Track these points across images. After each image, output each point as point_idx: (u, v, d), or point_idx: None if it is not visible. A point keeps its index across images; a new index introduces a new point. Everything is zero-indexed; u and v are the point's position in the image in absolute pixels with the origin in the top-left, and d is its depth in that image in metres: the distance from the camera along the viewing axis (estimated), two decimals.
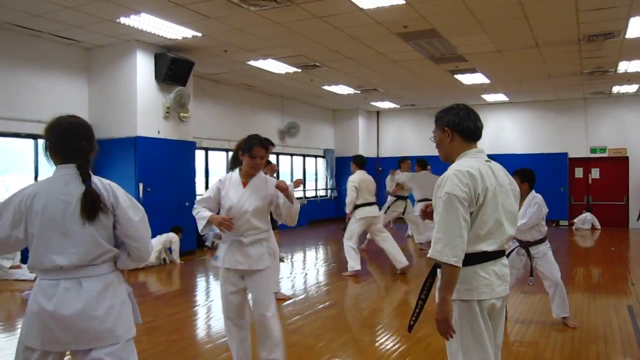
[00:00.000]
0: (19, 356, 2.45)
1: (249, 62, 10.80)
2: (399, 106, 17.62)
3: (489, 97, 15.68)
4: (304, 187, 16.86)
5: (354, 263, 8.30)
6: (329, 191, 17.87)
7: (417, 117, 18.17)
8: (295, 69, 11.47)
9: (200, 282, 8.30)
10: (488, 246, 2.57)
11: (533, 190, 5.42)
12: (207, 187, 12.50)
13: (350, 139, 18.13)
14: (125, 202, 2.54)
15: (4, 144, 8.93)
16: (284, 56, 10.39)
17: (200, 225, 3.73)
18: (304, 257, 10.81)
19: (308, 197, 17.00)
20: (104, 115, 9.46)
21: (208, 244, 11.10)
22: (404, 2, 7.34)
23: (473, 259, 2.54)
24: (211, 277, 8.51)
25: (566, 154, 16.15)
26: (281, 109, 15.43)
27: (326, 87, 13.80)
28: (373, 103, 16.86)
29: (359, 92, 14.47)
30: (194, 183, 10.57)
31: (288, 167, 16.21)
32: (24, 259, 8.24)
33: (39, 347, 2.41)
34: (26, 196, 2.45)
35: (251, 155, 3.72)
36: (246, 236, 3.74)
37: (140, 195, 9.17)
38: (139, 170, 9.21)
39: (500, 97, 15.66)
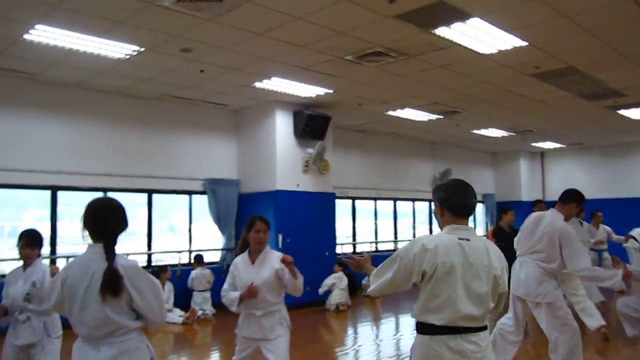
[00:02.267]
0: None
1: (388, 112, 10.94)
2: (564, 145, 16.37)
3: None
4: None
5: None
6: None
7: (586, 156, 16.72)
8: (436, 116, 11.34)
9: None
10: (436, 320, 2.69)
11: None
12: (354, 235, 12.78)
13: (511, 183, 17.20)
14: (138, 283, 2.75)
15: (162, 200, 10.04)
16: (419, 105, 10.37)
17: (234, 305, 4.08)
18: None
19: None
20: (249, 170, 10.29)
21: None
22: (527, 43, 6.96)
23: (424, 328, 2.75)
24: None
25: None
26: (432, 155, 15.24)
27: (476, 131, 13.38)
28: (534, 144, 15.89)
29: (513, 134, 13.78)
30: (334, 232, 10.84)
31: None
32: (177, 303, 9.13)
33: None
34: (65, 269, 2.83)
35: (255, 230, 4.11)
36: (259, 309, 4.05)
37: (280, 245, 9.66)
38: (278, 221, 9.73)
39: None
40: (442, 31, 6.48)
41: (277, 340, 4.05)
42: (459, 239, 2.76)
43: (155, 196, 9.82)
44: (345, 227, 12.74)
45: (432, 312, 2.70)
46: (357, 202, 13.02)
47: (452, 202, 2.86)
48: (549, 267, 4.94)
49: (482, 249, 2.78)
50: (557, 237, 4.92)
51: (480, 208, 17.33)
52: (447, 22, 6.23)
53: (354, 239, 12.92)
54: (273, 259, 4.13)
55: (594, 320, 6.98)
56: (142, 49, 6.98)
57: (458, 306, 2.67)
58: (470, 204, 2.88)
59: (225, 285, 4.22)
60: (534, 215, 5.32)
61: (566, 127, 13.08)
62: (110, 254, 2.72)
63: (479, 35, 6.66)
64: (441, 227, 2.91)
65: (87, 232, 2.81)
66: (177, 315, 8.86)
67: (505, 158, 17.46)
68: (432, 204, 3.04)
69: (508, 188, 17.21)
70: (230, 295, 4.12)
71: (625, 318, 6.58)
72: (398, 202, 14.08)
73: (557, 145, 16.28)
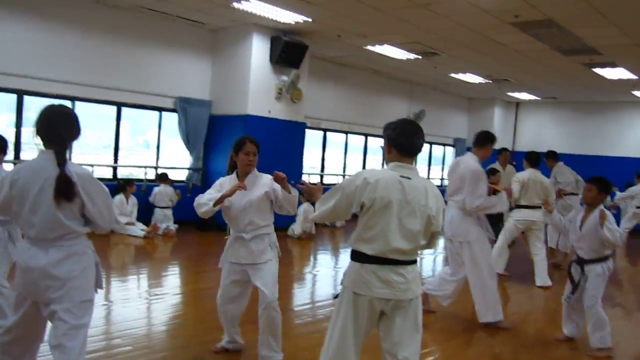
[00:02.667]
0: (16, 297, 2.93)
1: (367, 47, 10.85)
2: (539, 98, 16.52)
3: None
4: (428, 176, 16.61)
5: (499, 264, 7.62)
6: None
7: (559, 111, 16.97)
8: (415, 56, 11.30)
9: None
10: (368, 249, 2.84)
11: (602, 204, 4.85)
12: (323, 166, 12.93)
13: (484, 129, 17.35)
14: (91, 190, 2.83)
15: (133, 114, 9.98)
16: (399, 42, 10.30)
17: (209, 205, 3.85)
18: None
19: None
20: (221, 93, 10.24)
21: None
22: None
23: (357, 256, 2.90)
24: None
25: None
26: (409, 95, 15.26)
27: (453, 75, 13.39)
28: (510, 93, 15.99)
29: (490, 81, 13.84)
30: (301, 161, 10.97)
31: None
32: (139, 217, 9.27)
33: (22, 293, 2.88)
34: (15, 172, 2.87)
35: (245, 152, 3.93)
36: (247, 232, 3.90)
37: None
38: None
39: None
40: None
41: (266, 265, 3.91)
42: (401, 176, 2.86)
43: (132, 112, 9.77)
44: (314, 158, 12.88)
45: (365, 242, 2.84)
46: (328, 134, 13.10)
47: (400, 141, 2.93)
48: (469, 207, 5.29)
49: (422, 188, 2.88)
50: (467, 177, 5.29)
51: (450, 152, 17.58)
52: None
53: (322, 170, 13.09)
54: (262, 181, 3.98)
55: (539, 279, 7.54)
56: None
57: (389, 239, 2.80)
58: (416, 144, 2.95)
59: (204, 195, 4.01)
60: (455, 160, 5.71)
61: (541, 79, 13.18)
62: (61, 160, 2.77)
63: None
64: (387, 163, 3.01)
65: (39, 139, 2.86)
66: (139, 229, 9.02)
67: (480, 105, 17.58)
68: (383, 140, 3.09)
69: None
70: (205, 196, 3.96)
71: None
72: (370, 138, 14.19)
73: (532, 97, 16.42)
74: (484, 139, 5.59)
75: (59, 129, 2.83)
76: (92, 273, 2.93)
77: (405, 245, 2.83)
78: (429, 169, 16.88)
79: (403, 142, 2.93)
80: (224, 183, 4.03)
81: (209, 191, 4.02)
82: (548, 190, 7.52)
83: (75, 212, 2.81)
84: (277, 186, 3.88)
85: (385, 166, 3.05)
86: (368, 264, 2.84)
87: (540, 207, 7.14)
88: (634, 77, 11.81)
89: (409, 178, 2.87)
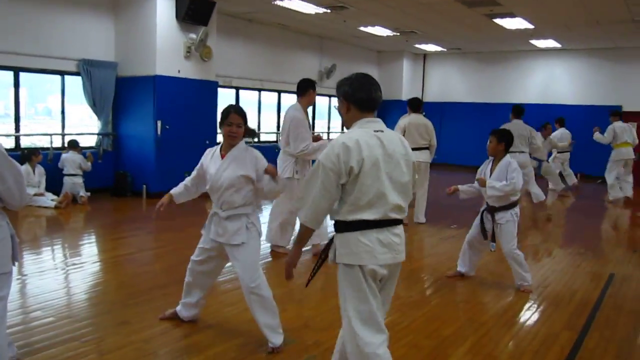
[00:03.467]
0: None
1: (275, 2, 10.72)
2: (445, 50, 17.05)
3: (539, 43, 14.87)
4: (342, 130, 16.87)
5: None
6: None
7: (465, 61, 17.61)
8: (324, 10, 11.28)
9: None
10: (369, 215, 2.65)
11: (508, 154, 5.20)
12: None
13: (394, 82, 17.78)
14: (1, 167, 2.74)
15: (31, 79, 9.41)
16: None
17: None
18: None
19: None
20: (127, 54, 9.85)
21: None
22: None
23: (354, 225, 2.66)
24: None
25: (620, 106, 15.16)
26: (320, 49, 15.29)
27: (362, 29, 13.52)
28: (418, 45, 16.38)
29: (398, 34, 14.10)
30: (215, 121, 10.78)
31: (326, 108, 16.22)
32: (48, 187, 8.90)
33: None
34: None
35: (228, 123, 3.67)
36: (223, 210, 3.73)
37: (159, 132, 9.55)
38: (158, 108, 9.56)
39: (551, 43, 14.80)
40: None
41: (242, 248, 3.71)
42: (375, 131, 2.71)
43: (30, 77, 9.20)
44: None
45: (364, 209, 2.65)
46: (241, 92, 12.95)
47: (358, 97, 2.74)
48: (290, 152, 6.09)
49: (397, 139, 2.78)
50: (288, 126, 6.08)
51: None
52: None
53: None
54: (247, 158, 3.73)
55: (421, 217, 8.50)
56: None
57: (388, 198, 2.66)
58: (376, 97, 2.77)
59: (190, 176, 3.94)
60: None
61: (446, 31, 13.58)
62: None
63: None
64: (347, 124, 2.82)
65: None
66: (49, 200, 8.66)
67: (389, 57, 17.90)
68: (337, 100, 2.90)
69: (391, 87, 17.77)
70: (179, 185, 3.96)
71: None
72: (283, 95, 14.18)
73: (439, 49, 16.90)
74: (304, 86, 6.19)
75: None
76: (8, 245, 2.89)
77: (402, 200, 2.74)
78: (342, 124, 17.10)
79: (362, 96, 2.75)
80: (208, 155, 3.86)
81: (196, 168, 3.91)
82: (431, 131, 8.25)
83: None
84: (263, 167, 3.74)
85: (347, 128, 2.84)
86: (369, 230, 2.66)
87: (426, 149, 8.16)
88: (531, 26, 12.40)
89: (382, 131, 2.73)
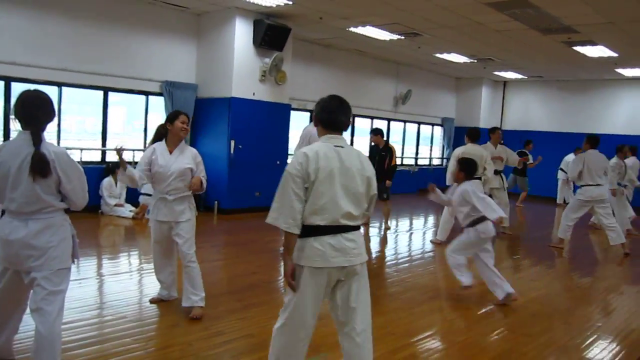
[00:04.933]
0: None
1: (349, 29, 11.03)
2: (526, 77, 16.71)
3: (626, 72, 14.27)
4: (417, 155, 16.87)
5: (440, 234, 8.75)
6: (444, 160, 17.63)
7: (545, 89, 17.14)
8: (398, 36, 11.47)
9: None
10: (321, 220, 2.95)
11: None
12: None
13: (472, 109, 17.62)
14: (66, 168, 3.09)
15: (120, 99, 10.19)
16: (380, 24, 10.48)
17: (127, 177, 4.54)
18: (410, 225, 11.16)
19: (420, 165, 16.97)
20: (207, 76, 10.45)
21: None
22: None
23: (309, 231, 2.97)
24: None
25: None
26: (396, 75, 15.44)
27: (438, 55, 13.57)
28: (497, 73, 16.17)
29: (475, 61, 14.02)
30: (287, 142, 11.20)
31: (400, 134, 16.28)
32: (128, 199, 9.54)
33: (5, 264, 3.19)
34: None
35: (181, 121, 4.54)
36: (171, 194, 4.56)
37: (232, 151, 10.03)
38: (232, 128, 10.04)
39: (639, 72, 14.17)
40: None
41: (186, 223, 4.61)
42: (335, 146, 3.03)
43: (124, 97, 10.05)
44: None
45: (317, 213, 2.94)
46: None
47: (323, 117, 3.09)
48: None
49: (355, 155, 3.09)
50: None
51: (439, 131, 17.80)
52: None
53: None
54: (189, 152, 4.62)
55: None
56: None
57: (339, 205, 2.95)
58: (338, 120, 3.08)
59: (140, 169, 4.58)
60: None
61: (524, 58, 13.36)
62: (37, 139, 3.03)
63: None
64: (318, 136, 3.17)
65: (17, 121, 3.12)
66: (128, 210, 9.29)
67: (468, 84, 17.76)
68: None
69: (468, 114, 17.65)
70: (134, 172, 4.55)
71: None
72: (357, 119, 14.41)
73: (519, 76, 16.60)
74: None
75: (34, 111, 3.09)
76: (69, 244, 3.21)
77: (354, 208, 3.00)
78: (417, 148, 17.10)
79: (324, 117, 3.08)
80: (156, 150, 4.57)
81: (142, 158, 4.65)
82: (485, 162, 8.35)
83: (52, 187, 3.07)
84: (200, 161, 4.64)
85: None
86: (321, 235, 2.95)
87: (478, 178, 7.94)
88: (614, 54, 11.99)
89: (342, 147, 3.05)
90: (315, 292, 2.98)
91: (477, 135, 8.65)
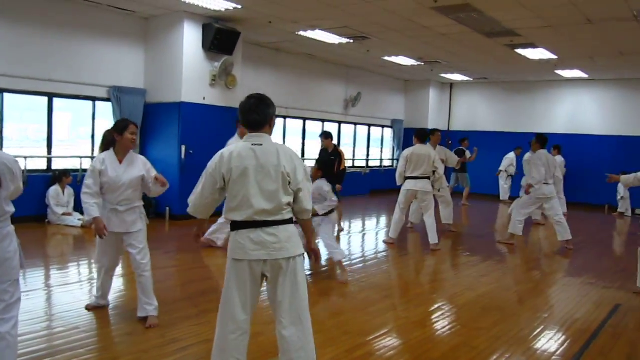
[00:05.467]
0: None
1: (299, 33, 11.09)
2: (471, 79, 17.17)
3: (565, 73, 14.86)
4: (368, 156, 17.09)
5: (392, 233, 8.87)
6: (395, 162, 17.91)
7: (491, 91, 17.67)
8: (347, 40, 11.60)
9: None
10: (238, 216, 3.15)
11: None
12: None
13: (420, 111, 17.98)
14: (16, 170, 3.09)
15: (65, 105, 9.92)
16: (329, 27, 10.58)
17: (87, 215, 4.48)
18: (363, 226, 11.27)
19: (371, 167, 17.18)
20: (156, 81, 10.30)
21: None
22: None
23: (232, 225, 3.20)
24: None
25: None
26: (346, 78, 15.61)
27: (387, 58, 13.79)
28: (444, 75, 16.55)
29: (422, 63, 14.31)
30: None
31: (351, 136, 16.45)
32: (76, 207, 9.30)
33: None
34: None
35: (130, 132, 4.47)
36: (122, 205, 4.51)
37: (182, 156, 9.92)
38: (182, 133, 9.94)
39: (578, 73, 14.78)
40: None
41: (139, 233, 4.59)
42: (252, 144, 3.16)
43: (70, 103, 9.80)
44: None
45: (234, 210, 3.15)
46: None
47: (242, 118, 3.26)
48: None
49: (273, 152, 3.17)
50: None
51: (389, 133, 18.07)
52: None
53: None
54: (139, 161, 4.57)
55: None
56: None
57: (252, 203, 3.10)
58: (251, 119, 3.20)
59: (89, 182, 4.43)
60: None
61: (470, 60, 13.73)
62: None
63: None
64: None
65: None
66: (77, 219, 9.06)
67: (416, 86, 18.11)
68: None
69: (417, 115, 18.00)
70: (90, 209, 4.39)
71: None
72: (308, 122, 14.48)
73: (465, 78, 17.03)
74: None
75: None
76: (18, 253, 3.15)
77: (268, 205, 3.12)
78: (367, 150, 17.30)
79: (241, 118, 3.27)
80: (105, 161, 4.46)
81: (90, 176, 4.47)
82: (434, 161, 8.50)
83: (6, 195, 3.03)
84: (151, 172, 4.55)
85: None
86: (242, 229, 3.13)
87: (426, 178, 8.44)
88: (554, 56, 12.46)
89: (260, 144, 3.16)
90: (239, 284, 3.13)
91: (425, 135, 8.84)
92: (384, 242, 8.94)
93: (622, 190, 14.17)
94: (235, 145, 3.20)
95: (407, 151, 8.63)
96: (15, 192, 3.11)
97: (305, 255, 3.50)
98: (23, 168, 8.88)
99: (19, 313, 3.18)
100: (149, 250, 4.69)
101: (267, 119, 3.24)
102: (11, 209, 3.10)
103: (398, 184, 8.84)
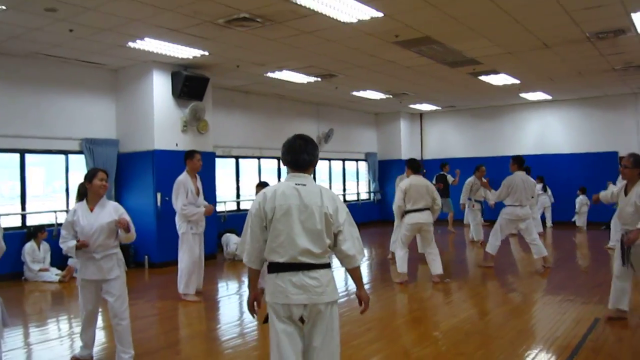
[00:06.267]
0: None
1: (267, 74, 11.30)
2: (440, 108, 17.55)
3: (529, 96, 15.30)
4: (344, 191, 17.20)
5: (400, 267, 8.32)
6: (372, 194, 18.07)
7: (459, 118, 18.06)
8: (315, 78, 11.84)
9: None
10: (279, 257, 3.05)
11: None
12: (238, 193, 13.19)
13: (393, 142, 18.25)
14: None
15: (38, 159, 9.91)
16: (296, 67, 10.81)
17: (72, 252, 4.63)
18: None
19: (349, 201, 17.29)
20: (128, 130, 10.37)
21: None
22: (382, 14, 7.54)
23: (272, 267, 3.10)
24: None
25: (616, 152, 15.38)
26: (317, 115, 15.84)
27: (355, 93, 14.07)
28: (413, 106, 16.89)
29: (390, 96, 14.62)
30: (214, 191, 11.18)
31: (326, 172, 16.60)
32: (53, 262, 9.20)
33: None
34: None
35: (100, 178, 4.62)
36: (98, 252, 4.58)
37: (159, 204, 9.92)
38: (157, 181, 9.96)
39: (541, 95, 15.24)
40: (302, 0, 6.89)
41: (116, 281, 4.63)
42: (296, 184, 3.13)
43: (41, 158, 9.81)
44: (230, 186, 13.13)
45: (275, 251, 3.05)
46: (240, 160, 13.39)
47: (286, 158, 3.21)
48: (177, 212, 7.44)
49: (316, 192, 3.13)
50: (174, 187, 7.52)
51: (363, 166, 18.26)
52: None
53: (238, 197, 13.35)
54: (110, 207, 4.69)
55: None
56: (4, 7, 6.87)
57: (296, 242, 3.02)
58: (301, 159, 3.18)
59: (64, 232, 4.65)
60: None
61: (436, 90, 14.07)
62: None
63: (337, 5, 7.14)
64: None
65: None
66: (54, 274, 8.95)
67: (387, 119, 18.43)
68: None
69: (390, 147, 18.26)
70: (68, 243, 4.59)
71: None
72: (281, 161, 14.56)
73: (433, 108, 17.40)
74: (185, 156, 7.70)
75: None
76: (1, 312, 3.14)
77: (313, 246, 3.04)
78: (344, 185, 17.44)
79: (288, 159, 3.21)
80: (77, 212, 4.59)
81: (65, 227, 4.64)
82: (432, 192, 8.26)
83: None
84: (123, 214, 4.68)
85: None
86: (282, 272, 3.04)
87: (427, 209, 8.18)
88: (516, 81, 12.86)
89: (304, 185, 3.13)
90: (283, 327, 3.03)
91: (419, 166, 8.52)
92: (396, 282, 8.29)
93: (577, 206, 14.83)
94: (279, 184, 3.18)
95: (404, 184, 8.29)
96: None
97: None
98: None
99: None
100: (127, 298, 4.70)
101: (315, 159, 3.25)
102: None
103: (397, 217, 8.73)
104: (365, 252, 12.05)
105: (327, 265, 3.12)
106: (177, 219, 7.46)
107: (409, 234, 8.34)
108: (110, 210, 4.65)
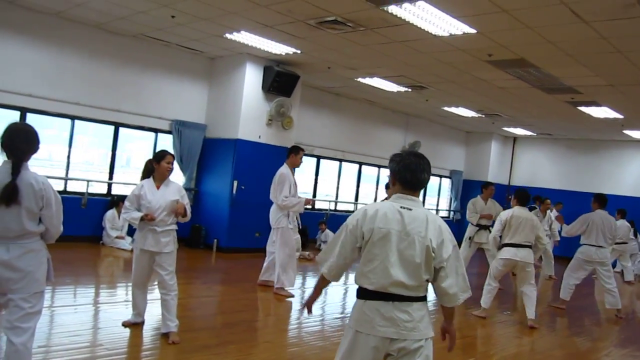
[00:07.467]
0: None
1: (357, 79, 11.35)
2: (535, 134, 16.86)
3: (634, 134, 14.35)
4: (423, 205, 16.92)
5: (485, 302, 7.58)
6: (451, 213, 17.66)
7: (555, 147, 17.25)
8: (405, 88, 11.75)
9: None
10: (368, 284, 2.78)
11: None
12: (315, 191, 13.34)
13: (481, 163, 17.74)
14: (49, 196, 3.29)
15: (130, 134, 10.55)
16: (386, 75, 10.78)
17: (134, 223, 4.96)
18: None
19: None
20: (216, 117, 10.79)
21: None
22: (475, 31, 7.37)
23: (360, 293, 2.84)
24: None
25: None
26: (405, 126, 15.70)
27: (446, 108, 13.81)
28: (506, 128, 16.34)
29: (482, 116, 14.23)
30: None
31: None
32: (129, 232, 9.74)
33: None
34: None
35: (166, 161, 4.94)
36: (159, 227, 4.92)
37: (234, 191, 10.24)
38: (236, 169, 10.30)
39: None
40: (393, 9, 6.87)
41: (169, 255, 4.97)
42: (401, 207, 2.82)
43: (131, 132, 10.44)
44: (308, 184, 13.31)
45: (366, 276, 2.77)
46: (322, 160, 13.53)
47: (403, 175, 2.87)
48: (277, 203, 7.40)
49: (422, 218, 2.80)
50: (275, 180, 7.54)
51: (447, 183, 17.90)
52: (398, 1, 6.61)
53: (314, 195, 13.49)
54: (174, 187, 5.04)
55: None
56: None
57: (389, 272, 2.72)
58: (420, 179, 2.88)
59: (127, 204, 4.99)
60: None
61: (531, 116, 13.54)
62: (16, 170, 3.20)
63: (429, 18, 7.06)
64: (389, 194, 3.05)
65: (3, 151, 3.31)
66: (128, 243, 9.47)
67: (478, 138, 17.94)
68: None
69: (477, 168, 17.76)
70: (132, 214, 4.93)
71: None
72: (364, 167, 14.60)
73: (528, 133, 16.75)
74: (290, 150, 7.76)
75: (19, 143, 3.27)
76: (45, 267, 3.37)
77: (407, 279, 2.74)
78: (424, 198, 17.17)
79: (406, 176, 2.88)
80: (144, 187, 4.93)
81: (129, 199, 4.97)
82: (537, 229, 7.30)
83: (28, 214, 3.23)
84: (184, 199, 5.03)
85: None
86: (371, 300, 2.76)
87: (528, 247, 7.25)
88: (619, 116, 12.10)
89: (410, 209, 2.82)
90: (362, 357, 2.77)
91: (527, 198, 7.66)
92: (474, 314, 7.53)
93: None
94: (382, 204, 2.87)
95: (506, 214, 7.42)
96: (48, 220, 3.30)
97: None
98: (84, 191, 9.45)
99: (36, 325, 3.33)
100: (175, 274, 5.01)
101: (428, 181, 2.99)
102: (35, 228, 3.26)
103: (491, 249, 7.96)
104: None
105: (423, 299, 2.81)
106: (274, 213, 7.54)
107: (501, 269, 7.49)
108: (174, 190, 5.01)
